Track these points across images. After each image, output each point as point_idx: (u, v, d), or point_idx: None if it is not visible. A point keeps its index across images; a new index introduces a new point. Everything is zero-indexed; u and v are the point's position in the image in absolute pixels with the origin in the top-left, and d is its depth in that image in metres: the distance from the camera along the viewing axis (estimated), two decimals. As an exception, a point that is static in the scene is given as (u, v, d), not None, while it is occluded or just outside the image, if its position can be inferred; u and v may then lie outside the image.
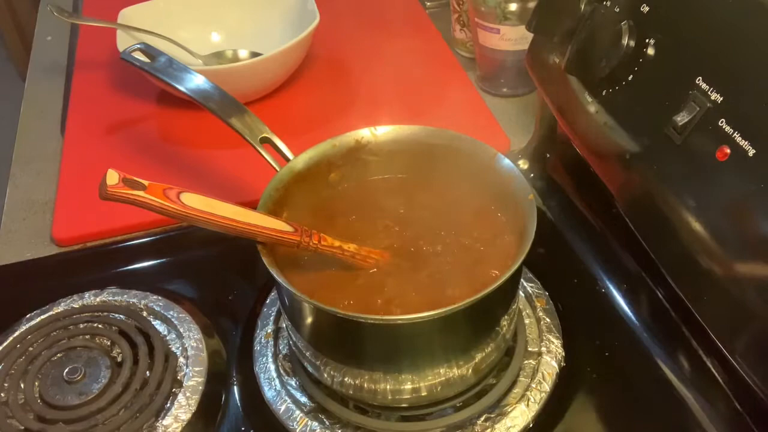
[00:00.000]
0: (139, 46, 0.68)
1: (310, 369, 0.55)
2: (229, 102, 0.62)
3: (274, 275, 0.48)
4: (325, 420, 0.54)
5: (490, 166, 0.56)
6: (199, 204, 0.47)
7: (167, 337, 0.61)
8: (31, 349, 0.60)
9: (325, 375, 0.53)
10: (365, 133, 0.59)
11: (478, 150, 0.57)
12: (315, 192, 0.58)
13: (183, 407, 0.55)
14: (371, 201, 0.59)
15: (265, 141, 0.61)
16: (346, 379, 0.51)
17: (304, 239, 0.51)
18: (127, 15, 0.90)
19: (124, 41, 0.86)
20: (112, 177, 0.44)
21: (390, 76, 0.93)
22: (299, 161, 0.57)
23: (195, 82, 0.64)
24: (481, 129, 0.82)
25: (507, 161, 0.55)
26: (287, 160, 0.58)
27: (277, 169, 0.58)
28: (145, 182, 0.45)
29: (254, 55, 0.92)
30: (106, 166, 0.47)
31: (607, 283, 0.64)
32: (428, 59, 0.96)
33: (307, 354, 0.53)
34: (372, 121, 0.60)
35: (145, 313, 0.63)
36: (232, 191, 0.74)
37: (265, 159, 0.60)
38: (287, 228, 0.50)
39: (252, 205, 0.52)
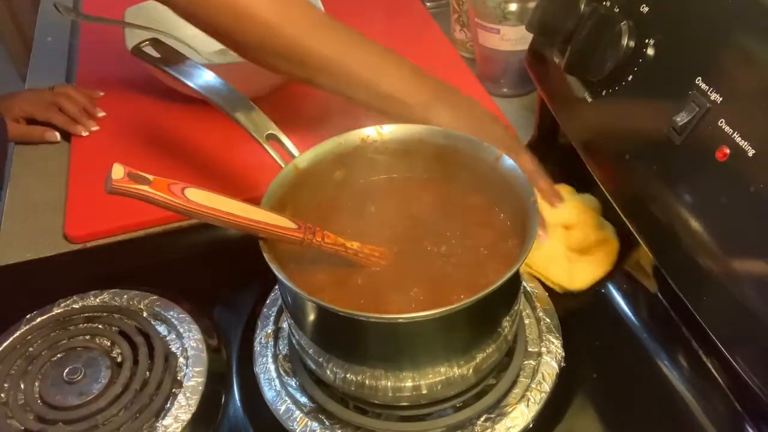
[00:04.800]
0: (149, 40, 0.68)
1: (312, 366, 0.55)
2: (236, 98, 0.62)
3: (276, 272, 0.48)
4: (325, 420, 0.54)
5: (494, 167, 0.56)
6: (203, 199, 0.47)
7: (167, 338, 0.61)
8: (31, 349, 0.60)
9: (328, 372, 0.52)
10: (371, 132, 0.59)
11: (482, 151, 0.57)
12: (319, 189, 0.58)
13: (183, 407, 0.55)
14: (376, 200, 0.59)
15: (271, 138, 0.61)
16: (348, 375, 0.51)
17: (308, 236, 0.51)
18: (133, 12, 0.90)
19: (131, 38, 0.86)
20: (118, 171, 0.44)
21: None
22: (304, 159, 0.57)
23: (204, 78, 0.64)
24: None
25: (511, 162, 0.55)
26: (293, 157, 0.58)
27: (283, 166, 0.58)
28: (150, 177, 0.45)
29: (259, 53, 0.91)
30: (112, 163, 0.46)
31: (607, 283, 0.64)
32: (432, 57, 0.95)
33: (310, 351, 0.53)
34: (378, 120, 0.60)
35: (145, 314, 0.63)
36: (236, 187, 0.74)
37: (271, 156, 0.60)
38: (291, 225, 0.50)
39: (256, 202, 0.52)
